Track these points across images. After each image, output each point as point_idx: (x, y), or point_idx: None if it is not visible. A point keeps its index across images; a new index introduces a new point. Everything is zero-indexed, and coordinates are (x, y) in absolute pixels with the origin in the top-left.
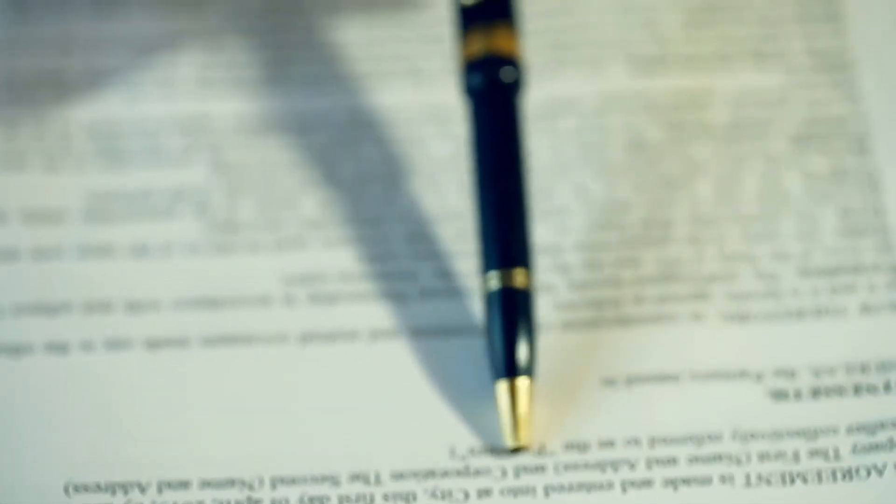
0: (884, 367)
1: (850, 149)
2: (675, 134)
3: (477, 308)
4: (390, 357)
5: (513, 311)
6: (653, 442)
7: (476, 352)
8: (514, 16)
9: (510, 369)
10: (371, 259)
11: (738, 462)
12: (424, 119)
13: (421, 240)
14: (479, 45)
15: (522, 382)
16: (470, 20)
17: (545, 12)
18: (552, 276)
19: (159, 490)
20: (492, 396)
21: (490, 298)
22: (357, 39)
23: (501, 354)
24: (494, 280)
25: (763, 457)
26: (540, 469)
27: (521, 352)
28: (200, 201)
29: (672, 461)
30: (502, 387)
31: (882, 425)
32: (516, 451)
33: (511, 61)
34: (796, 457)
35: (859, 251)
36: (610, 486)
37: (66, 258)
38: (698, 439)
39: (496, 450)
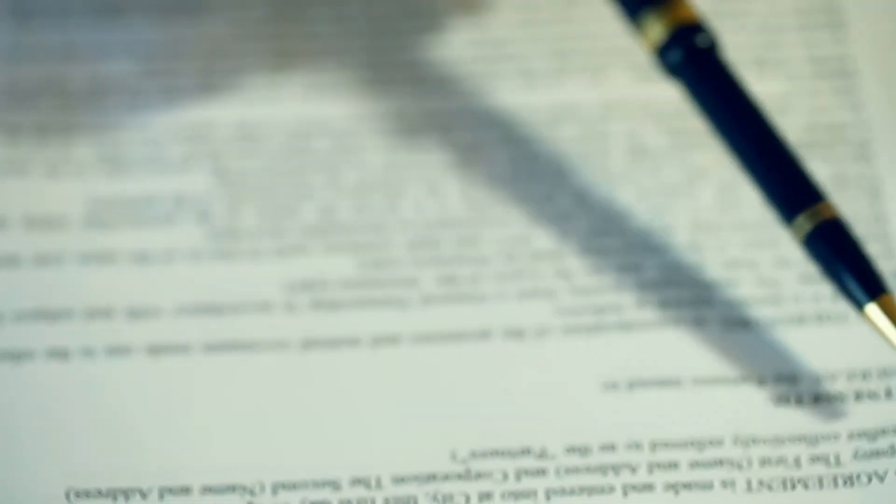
0: (885, 373)
1: (852, 156)
2: (677, 140)
3: (477, 314)
4: (391, 363)
5: (844, 239)
6: (654, 446)
7: (476, 357)
8: None
9: (874, 288)
10: (372, 266)
11: (740, 467)
12: (426, 126)
13: (422, 246)
14: (660, 25)
15: (889, 298)
16: (636, 7)
17: (547, 20)
18: (554, 281)
19: (160, 496)
20: (493, 398)
21: (814, 240)
22: (358, 46)
23: (856, 281)
24: (807, 223)
25: (764, 462)
26: (541, 472)
27: (874, 270)
28: (202, 208)
29: (673, 466)
30: (872, 309)
31: (883, 431)
32: None
33: (698, 27)
34: (797, 462)
35: None
36: (611, 489)
37: (67, 265)
38: (700, 444)
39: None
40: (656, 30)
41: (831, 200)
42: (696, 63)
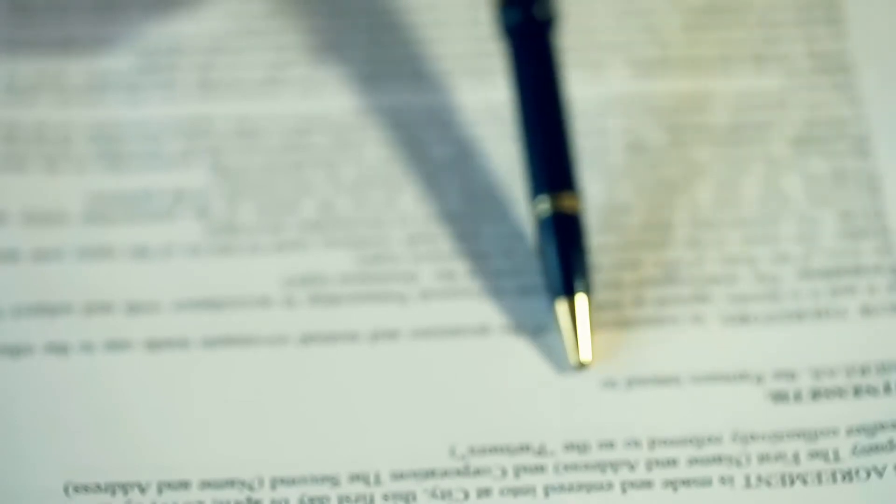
0: (884, 368)
1: (851, 151)
2: (676, 136)
3: (476, 309)
4: (390, 358)
5: (567, 233)
6: (653, 443)
7: (475, 352)
8: None
9: (569, 287)
10: (371, 261)
11: (738, 463)
12: (425, 121)
13: (421, 241)
14: None
15: (581, 300)
16: None
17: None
18: None
19: (159, 490)
20: (492, 395)
21: (543, 222)
22: (357, 42)
23: (559, 274)
24: (545, 204)
25: (763, 458)
26: (540, 469)
27: (579, 270)
28: (201, 203)
29: (672, 462)
30: (562, 306)
31: (882, 427)
32: (581, 367)
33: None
34: (796, 458)
35: (859, 253)
36: (610, 486)
37: (66, 259)
38: (698, 441)
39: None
40: None
41: (582, 195)
42: (526, 31)
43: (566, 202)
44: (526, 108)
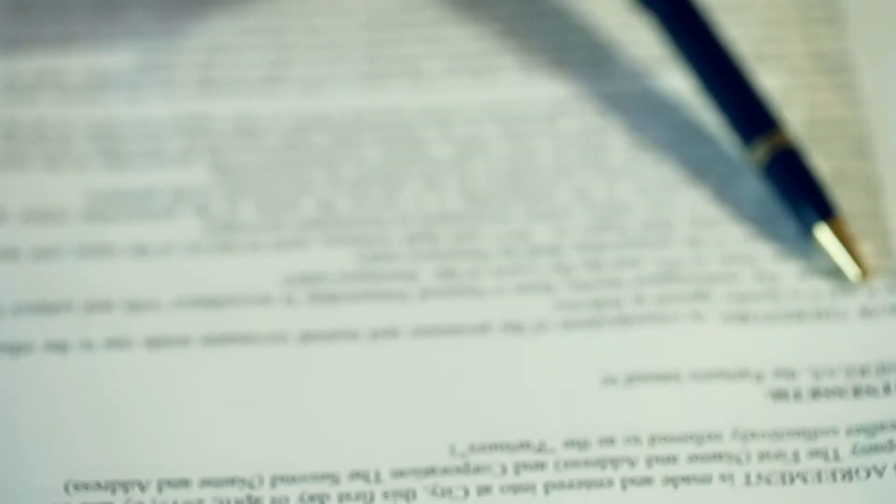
0: (883, 369)
1: (851, 152)
2: (676, 135)
3: (477, 308)
4: (390, 357)
5: (800, 163)
6: (653, 440)
7: (475, 351)
8: None
9: (826, 210)
10: (371, 259)
11: (738, 461)
12: (425, 120)
13: (421, 240)
14: None
15: (841, 221)
16: None
17: (547, 12)
18: (553, 275)
19: (159, 489)
20: (492, 392)
21: (772, 163)
22: (358, 40)
23: (811, 202)
24: (765, 147)
25: (763, 456)
26: (540, 466)
27: (828, 192)
28: (201, 201)
29: (672, 459)
30: (824, 231)
31: (882, 427)
32: (863, 279)
33: None
34: (796, 457)
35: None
36: (610, 483)
37: (66, 258)
38: (698, 438)
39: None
40: None
41: (788, 128)
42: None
43: (782, 137)
44: (707, 69)
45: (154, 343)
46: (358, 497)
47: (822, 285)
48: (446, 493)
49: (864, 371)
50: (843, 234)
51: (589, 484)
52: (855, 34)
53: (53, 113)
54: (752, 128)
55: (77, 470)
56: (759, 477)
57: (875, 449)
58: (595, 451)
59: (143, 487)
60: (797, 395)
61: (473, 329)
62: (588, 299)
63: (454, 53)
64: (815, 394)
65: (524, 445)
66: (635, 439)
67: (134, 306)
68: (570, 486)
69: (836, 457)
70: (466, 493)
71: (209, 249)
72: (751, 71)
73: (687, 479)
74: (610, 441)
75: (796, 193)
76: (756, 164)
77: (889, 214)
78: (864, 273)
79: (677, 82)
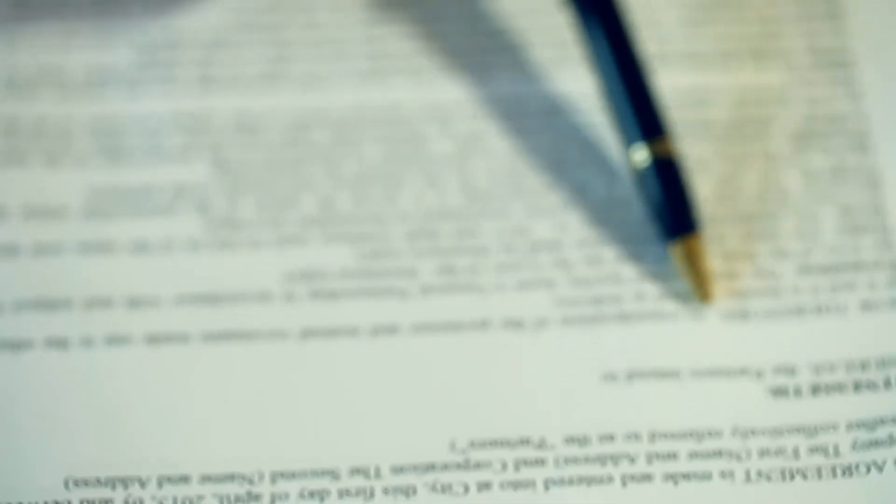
0: (884, 364)
1: (851, 146)
2: (676, 131)
3: (477, 304)
4: (390, 353)
5: (671, 175)
6: (653, 437)
7: (475, 347)
8: None
9: (681, 227)
10: (371, 256)
11: (739, 458)
12: (425, 117)
13: (421, 237)
14: None
15: (697, 239)
16: None
17: (544, 10)
18: (553, 271)
19: (159, 485)
20: (493, 389)
21: (644, 170)
22: (358, 37)
23: (670, 216)
24: (644, 151)
25: (763, 453)
26: (540, 462)
27: (690, 210)
28: (201, 198)
29: (672, 456)
30: (677, 248)
31: (882, 422)
32: (707, 303)
33: None
34: (796, 453)
35: (859, 249)
36: (610, 480)
37: (66, 254)
38: (698, 435)
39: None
40: None
41: (674, 137)
42: None
43: (664, 146)
44: (604, 63)
45: (154, 340)
46: (358, 493)
47: (822, 280)
48: (446, 489)
49: (864, 366)
50: (695, 252)
51: (589, 480)
52: (854, 30)
53: (54, 109)
54: (638, 130)
55: (77, 466)
56: (760, 473)
57: (875, 444)
58: (595, 448)
59: (143, 484)
60: (797, 392)
61: (473, 326)
62: (588, 296)
63: (453, 50)
64: (815, 390)
65: (524, 442)
66: (635, 436)
67: (134, 303)
68: (571, 482)
69: (837, 453)
70: (466, 489)
71: (209, 246)
72: (652, 75)
73: (687, 476)
74: (610, 438)
75: (661, 204)
76: (633, 167)
77: (888, 208)
78: (705, 296)
79: (669, 82)
